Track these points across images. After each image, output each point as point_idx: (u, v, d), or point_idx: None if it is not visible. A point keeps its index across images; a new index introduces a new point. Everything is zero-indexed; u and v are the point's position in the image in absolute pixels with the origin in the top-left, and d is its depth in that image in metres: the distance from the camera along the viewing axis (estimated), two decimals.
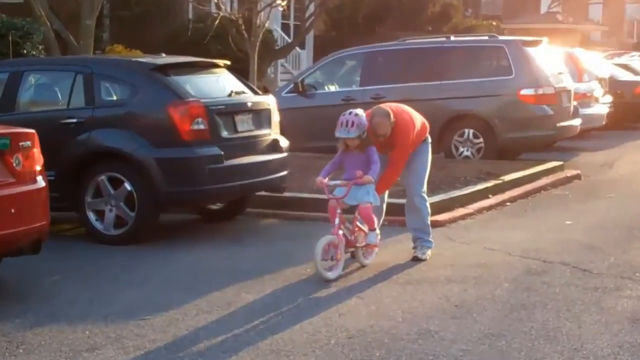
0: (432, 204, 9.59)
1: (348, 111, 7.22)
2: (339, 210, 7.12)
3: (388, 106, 7.54)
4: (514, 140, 13.18)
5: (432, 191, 10.02)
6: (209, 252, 8.22)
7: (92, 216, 8.60)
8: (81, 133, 8.66)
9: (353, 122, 7.08)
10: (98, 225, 8.58)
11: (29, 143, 6.93)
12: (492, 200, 10.52)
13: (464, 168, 11.86)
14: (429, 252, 7.69)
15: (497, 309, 6.25)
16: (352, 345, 5.50)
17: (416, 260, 7.54)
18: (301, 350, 5.39)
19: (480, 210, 10.01)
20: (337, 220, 7.09)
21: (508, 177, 11.39)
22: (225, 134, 8.72)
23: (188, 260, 7.85)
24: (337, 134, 7.17)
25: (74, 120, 8.72)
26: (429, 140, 7.87)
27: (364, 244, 7.38)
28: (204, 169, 8.46)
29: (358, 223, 7.38)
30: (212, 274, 7.33)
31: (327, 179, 7.32)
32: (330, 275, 6.93)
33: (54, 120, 8.74)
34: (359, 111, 7.24)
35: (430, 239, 7.80)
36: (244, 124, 8.99)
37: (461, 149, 13.27)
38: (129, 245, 8.31)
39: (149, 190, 8.40)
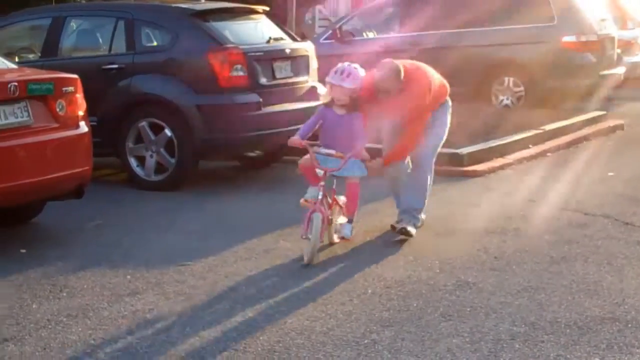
0: (470, 154, 9.62)
1: (346, 62, 6.54)
2: (322, 183, 6.28)
3: (401, 62, 6.62)
4: (556, 89, 13.01)
5: (470, 141, 9.98)
6: (247, 199, 8.27)
7: (133, 162, 8.68)
8: (122, 79, 8.69)
9: (350, 73, 6.36)
10: (139, 171, 8.66)
11: (72, 88, 6.98)
12: (532, 150, 10.43)
13: (503, 117, 11.75)
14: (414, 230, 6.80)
15: (537, 261, 6.24)
16: (389, 295, 5.53)
17: (403, 233, 6.68)
18: (338, 299, 5.43)
19: (520, 161, 9.94)
20: (319, 194, 6.26)
21: (549, 127, 11.27)
22: (263, 80, 8.70)
23: (226, 207, 7.91)
24: (328, 79, 6.42)
25: (115, 66, 8.76)
26: (449, 103, 7.01)
27: (339, 219, 6.61)
28: (243, 116, 8.48)
29: (336, 197, 6.59)
30: (250, 222, 7.38)
31: (308, 142, 6.44)
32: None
33: (95, 66, 8.78)
34: (358, 66, 6.51)
35: (422, 216, 7.01)
36: (282, 70, 8.96)
37: (501, 98, 13.12)
38: (169, 191, 8.39)
39: (188, 137, 8.44)
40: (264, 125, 8.57)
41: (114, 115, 8.63)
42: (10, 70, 7.12)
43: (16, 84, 6.54)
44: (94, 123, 7.61)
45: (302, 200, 6.38)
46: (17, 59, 8.82)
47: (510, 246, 6.60)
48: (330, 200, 6.49)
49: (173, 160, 8.51)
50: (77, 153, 6.99)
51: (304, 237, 6.12)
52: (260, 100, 8.50)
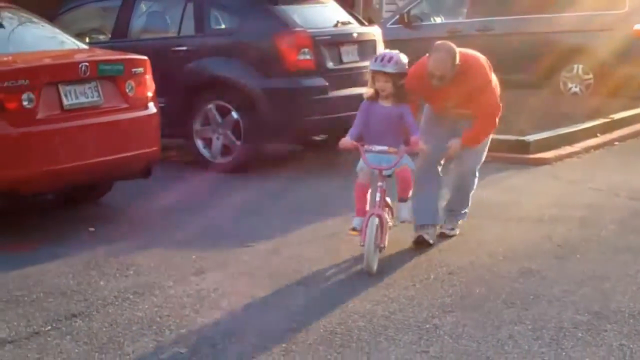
0: (537, 142, 9.52)
1: (387, 50, 6.18)
2: (380, 184, 5.81)
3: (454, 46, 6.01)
4: (625, 77, 12.77)
5: (537, 128, 9.88)
6: (312, 182, 8.32)
7: (200, 144, 8.79)
8: (191, 61, 8.80)
9: (392, 58, 5.79)
10: (205, 152, 8.77)
11: (141, 69, 7.10)
12: (600, 139, 10.28)
13: (572, 105, 11.60)
14: (457, 228, 6.53)
15: (602, 251, 6.17)
16: (451, 280, 5.52)
17: (443, 237, 6.40)
18: (402, 283, 5.45)
19: (587, 149, 9.81)
20: (378, 196, 5.80)
21: (618, 116, 11.09)
22: (330, 64, 8.73)
23: (291, 190, 7.97)
24: (370, 67, 5.87)
25: (184, 48, 8.87)
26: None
27: (391, 224, 6.11)
28: (309, 100, 8.51)
29: (386, 198, 6.02)
30: (315, 205, 7.43)
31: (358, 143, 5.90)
32: (375, 267, 5.68)
33: (164, 48, 8.90)
34: (399, 52, 5.95)
35: (466, 211, 6.60)
36: (349, 54, 8.98)
37: (570, 85, 12.94)
38: (234, 174, 8.48)
39: (254, 120, 8.52)
40: (330, 110, 8.60)
41: (182, 97, 8.73)
42: (82, 51, 7.27)
43: (87, 64, 6.68)
44: (162, 104, 7.71)
45: (349, 231, 5.86)
46: (87, 40, 8.99)
47: (575, 235, 6.54)
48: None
49: (239, 143, 8.60)
50: (146, 134, 7.11)
51: (362, 244, 5.65)
52: (327, 84, 8.53)
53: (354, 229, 5.80)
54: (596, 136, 10.34)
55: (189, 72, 8.78)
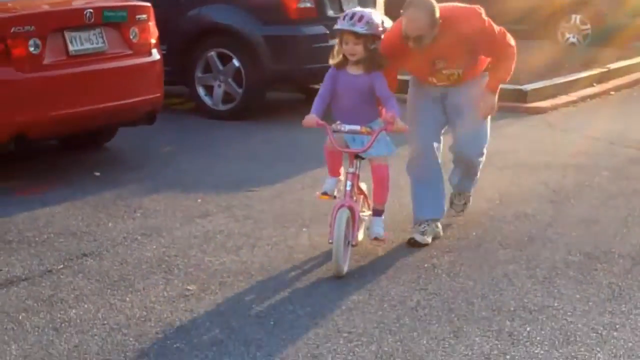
0: (534, 91, 9.65)
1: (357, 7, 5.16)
2: (351, 169, 4.95)
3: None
4: (623, 27, 12.86)
5: (534, 78, 10.00)
6: (313, 130, 8.40)
7: (201, 91, 8.91)
8: (192, 8, 8.88)
9: (362, 16, 4.88)
10: (207, 100, 8.89)
11: (145, 16, 7.20)
12: (597, 88, 10.43)
13: (569, 55, 11.71)
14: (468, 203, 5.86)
15: (595, 196, 6.35)
16: (449, 224, 5.69)
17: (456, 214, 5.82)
18: (400, 226, 5.62)
19: (583, 99, 9.96)
20: (348, 184, 4.91)
21: (614, 66, 11.22)
22: (330, 13, 8.82)
23: (292, 137, 8.10)
24: (337, 26, 4.93)
25: None
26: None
27: (364, 212, 5.30)
28: (310, 48, 8.61)
29: (361, 184, 5.22)
30: (316, 151, 7.49)
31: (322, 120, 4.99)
32: (346, 268, 4.83)
33: None
34: (374, 10, 5.23)
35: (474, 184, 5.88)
36: (350, 3, 9.04)
37: (567, 35, 13.05)
38: (236, 121, 8.62)
39: (255, 67, 8.63)
40: None
41: (184, 45, 8.83)
42: None
43: (92, 10, 6.77)
44: (164, 51, 7.81)
45: (318, 194, 5.15)
46: None
47: (569, 181, 6.71)
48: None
49: (240, 90, 8.72)
50: (149, 80, 7.23)
51: (330, 241, 4.78)
52: (327, 32, 8.62)
53: (324, 193, 5.07)
54: (592, 86, 10.48)
55: (190, 20, 8.87)
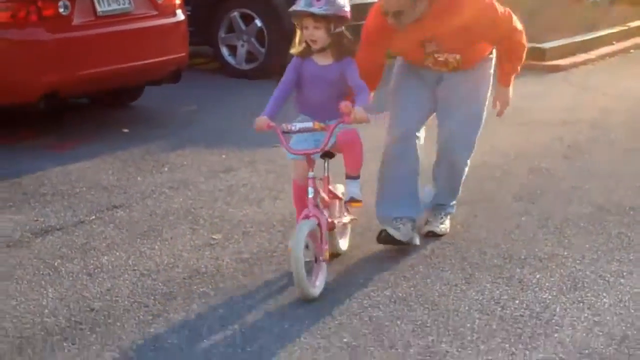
0: (553, 49, 9.75)
1: None
2: (311, 174, 4.21)
3: None
4: None
5: (554, 36, 10.08)
6: None
7: (225, 51, 9.11)
8: None
9: None
10: (230, 59, 9.09)
11: None
12: (616, 46, 10.50)
13: (589, 13, 11.75)
14: (448, 221, 4.98)
15: (610, 151, 6.51)
16: (465, 177, 5.84)
17: (431, 235, 4.86)
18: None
19: (602, 57, 10.04)
20: (310, 191, 4.19)
21: (634, 24, 11.26)
22: None
23: None
24: (293, 7, 4.25)
25: None
26: (493, 57, 4.78)
27: (344, 217, 4.62)
28: None
29: (331, 187, 4.50)
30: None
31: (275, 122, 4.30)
32: (317, 290, 4.11)
33: None
34: None
35: (454, 203, 5.05)
36: None
37: None
38: (258, 80, 8.80)
39: (277, 27, 8.79)
40: (353, 16, 8.81)
41: (207, 5, 9.01)
42: None
43: None
44: (189, 12, 7.99)
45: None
46: None
47: (585, 137, 6.86)
48: (325, 196, 4.44)
49: (263, 50, 8.90)
50: (174, 39, 7.43)
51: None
52: None
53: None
54: (612, 44, 10.54)
55: None
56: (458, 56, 4.56)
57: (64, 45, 6.60)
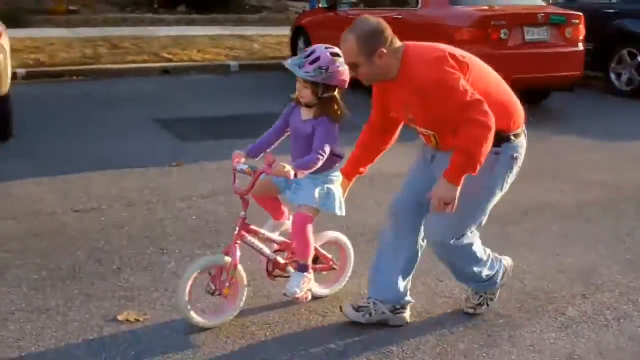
0: None
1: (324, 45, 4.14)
2: (242, 214, 4.22)
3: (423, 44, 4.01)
4: None
5: None
6: None
7: (613, 76, 12.40)
8: (614, 19, 12.35)
9: (318, 57, 4.04)
10: (616, 83, 12.35)
11: (577, 21, 10.69)
12: None
13: None
14: (478, 301, 4.55)
15: None
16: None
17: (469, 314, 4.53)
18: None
19: None
20: (235, 228, 4.23)
21: None
22: None
23: None
24: (287, 63, 4.10)
25: (612, 10, 12.43)
26: (515, 150, 4.11)
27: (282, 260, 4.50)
28: None
29: (260, 229, 4.46)
30: None
31: (245, 157, 4.32)
32: (208, 322, 4.26)
33: (598, 10, 12.48)
34: (339, 51, 4.06)
35: (486, 279, 4.45)
36: None
37: None
38: (634, 98, 11.81)
39: None
40: None
41: (605, 44, 12.30)
42: (539, 7, 11.05)
43: (543, 14, 10.31)
44: (590, 48, 11.29)
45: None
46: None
47: None
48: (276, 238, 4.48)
49: (639, 78, 12.04)
50: (573, 62, 10.71)
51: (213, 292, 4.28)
52: None
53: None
54: None
55: (611, 27, 12.29)
56: (433, 133, 4.03)
57: (501, 58, 9.04)
